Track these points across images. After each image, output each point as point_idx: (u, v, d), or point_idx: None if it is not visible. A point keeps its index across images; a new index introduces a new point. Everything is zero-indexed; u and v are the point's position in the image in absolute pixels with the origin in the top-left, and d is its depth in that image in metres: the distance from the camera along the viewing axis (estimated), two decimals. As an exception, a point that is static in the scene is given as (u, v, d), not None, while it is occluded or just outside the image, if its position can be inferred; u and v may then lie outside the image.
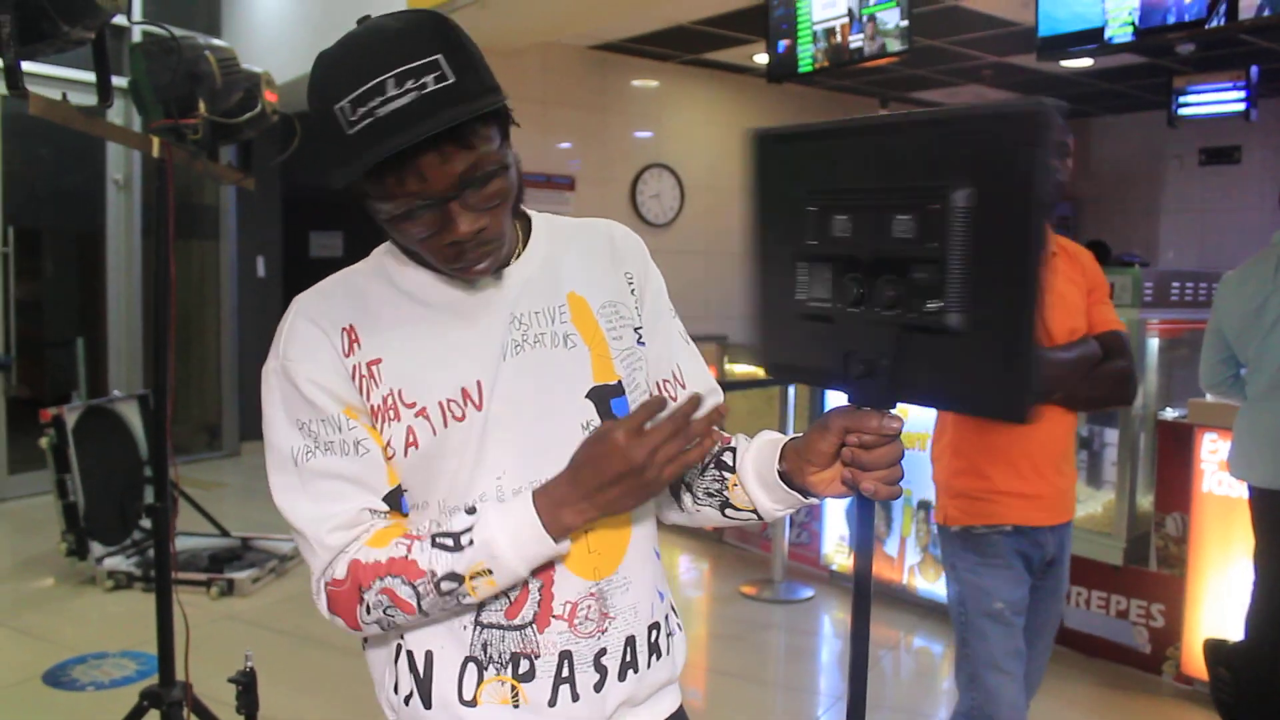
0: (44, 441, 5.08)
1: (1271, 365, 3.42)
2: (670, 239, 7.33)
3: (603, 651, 1.29)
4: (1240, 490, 3.66)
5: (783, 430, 5.05)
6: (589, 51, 6.76)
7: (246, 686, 2.39)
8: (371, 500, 1.23)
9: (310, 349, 1.23)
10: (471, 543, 1.17)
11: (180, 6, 7.53)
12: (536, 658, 1.25)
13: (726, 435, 1.40)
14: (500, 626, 1.25)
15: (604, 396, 1.28)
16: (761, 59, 6.71)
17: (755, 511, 1.36)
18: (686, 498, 1.41)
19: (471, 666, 1.25)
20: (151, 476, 5.61)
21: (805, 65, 4.39)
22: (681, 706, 1.43)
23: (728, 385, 5.80)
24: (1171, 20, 3.19)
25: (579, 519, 1.18)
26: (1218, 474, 3.81)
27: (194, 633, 2.76)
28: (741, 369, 5.80)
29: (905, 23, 3.94)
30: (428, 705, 1.27)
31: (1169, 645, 4.03)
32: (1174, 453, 4.03)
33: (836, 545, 5.23)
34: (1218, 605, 3.85)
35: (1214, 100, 5.82)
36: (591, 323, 1.30)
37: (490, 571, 1.18)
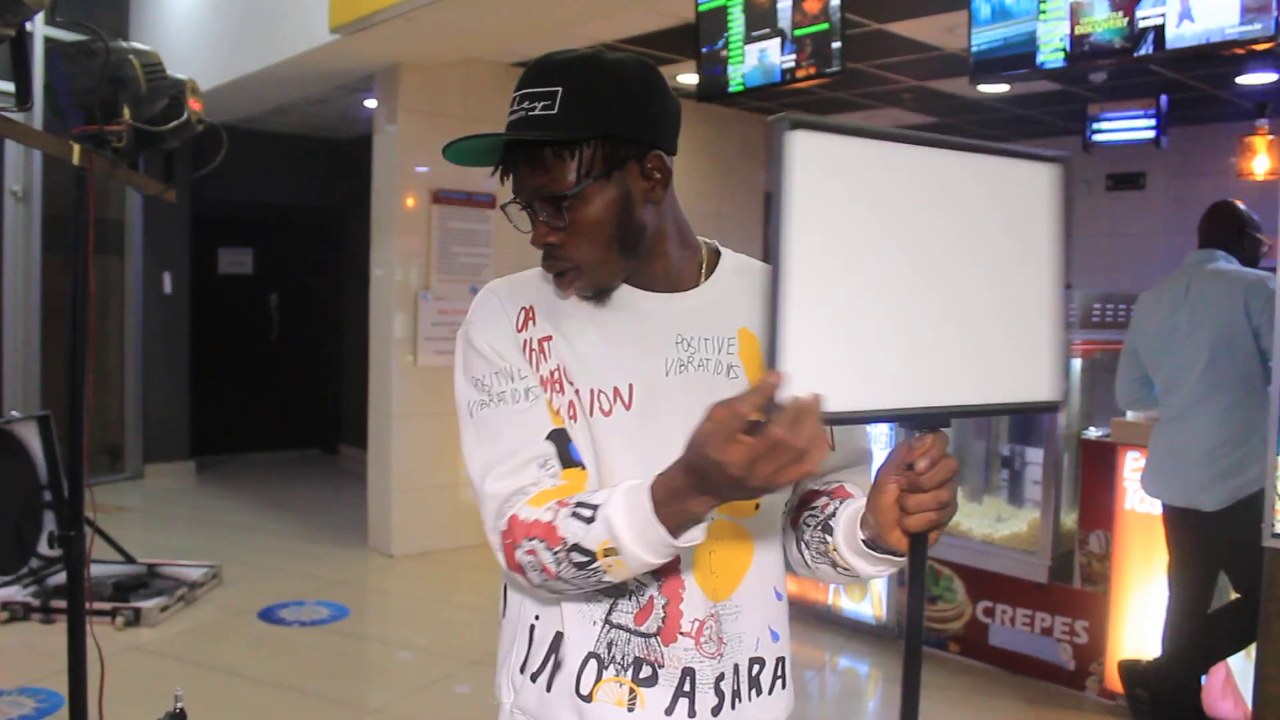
0: (-64, 464, 4.82)
1: (1184, 385, 3.50)
2: (591, 258, 7.28)
3: (721, 676, 1.34)
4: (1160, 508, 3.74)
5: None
6: (512, 69, 6.68)
7: (175, 726, 2.26)
8: (534, 449, 1.30)
9: (490, 318, 1.36)
10: (597, 523, 1.18)
11: (84, 9, 7.27)
12: (660, 667, 1.31)
13: (846, 490, 1.38)
14: (628, 630, 1.31)
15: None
16: (685, 79, 6.71)
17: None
18: (805, 553, 1.40)
19: (593, 663, 1.31)
20: (53, 500, 5.37)
21: (736, 85, 4.39)
22: None
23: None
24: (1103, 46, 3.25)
25: (702, 508, 1.14)
26: (1140, 492, 3.88)
27: (105, 673, 2.61)
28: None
29: (838, 44, 3.96)
30: (549, 689, 1.34)
31: (1092, 661, 4.09)
32: (1097, 471, 4.09)
33: (762, 566, 5.21)
34: (1140, 621, 3.92)
35: (1126, 128, 5.99)
36: (757, 359, 1.35)
37: (617, 552, 1.17)
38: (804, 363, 1.23)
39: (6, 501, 5.15)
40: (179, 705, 2.24)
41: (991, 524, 4.52)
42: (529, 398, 1.31)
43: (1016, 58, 3.49)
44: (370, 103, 6.88)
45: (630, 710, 1.30)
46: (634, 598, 1.31)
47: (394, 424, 6.21)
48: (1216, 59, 5.00)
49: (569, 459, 1.31)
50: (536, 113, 1.25)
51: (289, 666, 4.45)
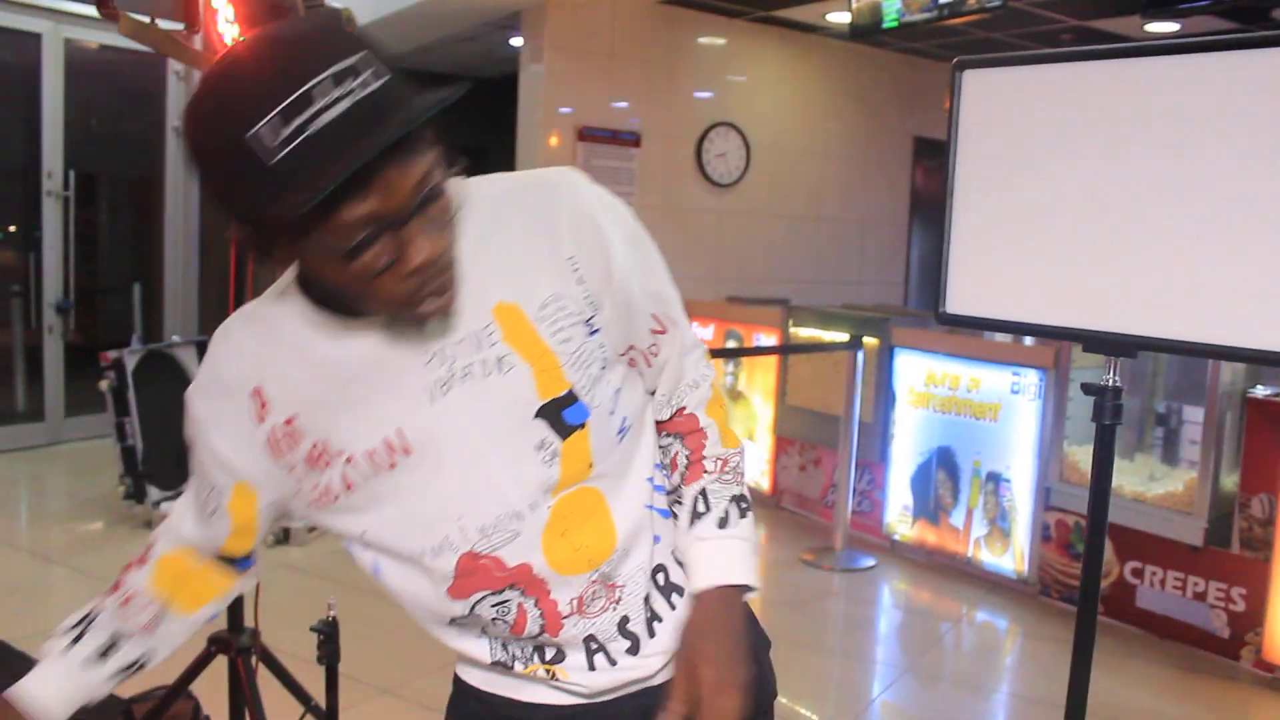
0: (104, 384, 5.07)
1: None
2: (735, 199, 7.19)
3: (625, 620, 1.22)
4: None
5: (850, 396, 4.97)
6: (658, 6, 6.62)
7: (328, 636, 2.33)
8: (206, 548, 1.30)
9: (219, 415, 1.17)
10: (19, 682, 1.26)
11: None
12: (564, 645, 1.22)
13: (684, 419, 1.30)
14: (516, 639, 1.23)
15: (555, 411, 1.14)
16: (835, 17, 6.55)
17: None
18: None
19: (500, 667, 1.25)
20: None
21: (891, 20, 4.25)
22: None
23: (792, 349, 5.69)
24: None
25: None
26: (1311, 455, 3.67)
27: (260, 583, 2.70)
28: (807, 333, 5.68)
29: (1001, -24, 3.80)
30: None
31: (1249, 630, 3.90)
32: (1264, 432, 3.88)
33: (900, 515, 5.12)
34: (1304, 591, 3.73)
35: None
36: (529, 334, 1.13)
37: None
38: (968, 276, 1.21)
39: (168, 422, 5.40)
40: (332, 613, 2.31)
41: (1144, 482, 4.34)
42: (210, 520, 1.25)
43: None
44: (516, 41, 6.91)
45: (554, 681, 1.23)
46: (499, 621, 1.20)
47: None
48: None
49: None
50: (361, 95, 0.91)
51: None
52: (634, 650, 1.22)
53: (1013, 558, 4.67)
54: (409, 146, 0.95)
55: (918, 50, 7.74)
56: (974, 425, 4.81)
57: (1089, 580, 1.15)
